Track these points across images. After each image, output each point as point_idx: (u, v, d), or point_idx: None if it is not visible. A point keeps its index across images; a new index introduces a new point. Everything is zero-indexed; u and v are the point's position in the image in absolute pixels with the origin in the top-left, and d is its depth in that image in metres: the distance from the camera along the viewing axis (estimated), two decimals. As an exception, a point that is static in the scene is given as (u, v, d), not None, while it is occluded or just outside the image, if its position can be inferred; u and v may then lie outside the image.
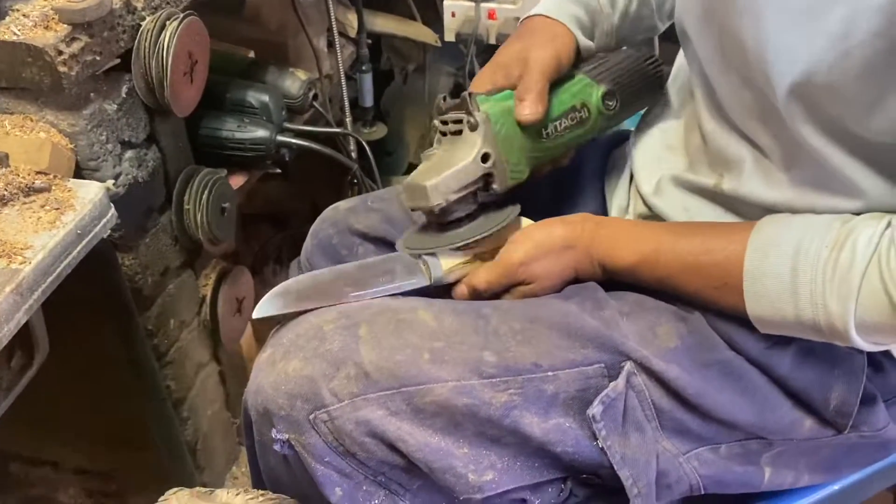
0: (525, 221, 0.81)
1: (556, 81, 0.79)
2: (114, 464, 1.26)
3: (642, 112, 0.92)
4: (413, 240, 0.80)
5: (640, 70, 0.86)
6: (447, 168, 0.74)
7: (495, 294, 0.78)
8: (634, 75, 0.85)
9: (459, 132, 0.76)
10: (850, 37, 0.56)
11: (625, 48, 0.90)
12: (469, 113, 0.74)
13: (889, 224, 0.61)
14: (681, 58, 0.89)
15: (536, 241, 0.76)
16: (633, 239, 0.74)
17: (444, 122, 0.77)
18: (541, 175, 0.83)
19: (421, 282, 0.77)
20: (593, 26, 0.86)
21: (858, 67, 0.57)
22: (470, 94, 0.75)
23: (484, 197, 0.78)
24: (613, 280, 0.76)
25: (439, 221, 0.78)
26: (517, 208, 0.79)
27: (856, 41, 0.56)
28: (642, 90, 0.87)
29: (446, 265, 0.77)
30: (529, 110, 0.75)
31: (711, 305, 0.71)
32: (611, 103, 0.83)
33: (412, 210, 0.78)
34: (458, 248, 0.77)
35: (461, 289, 0.78)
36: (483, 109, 0.75)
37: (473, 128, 0.74)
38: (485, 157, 0.74)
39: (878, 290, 0.59)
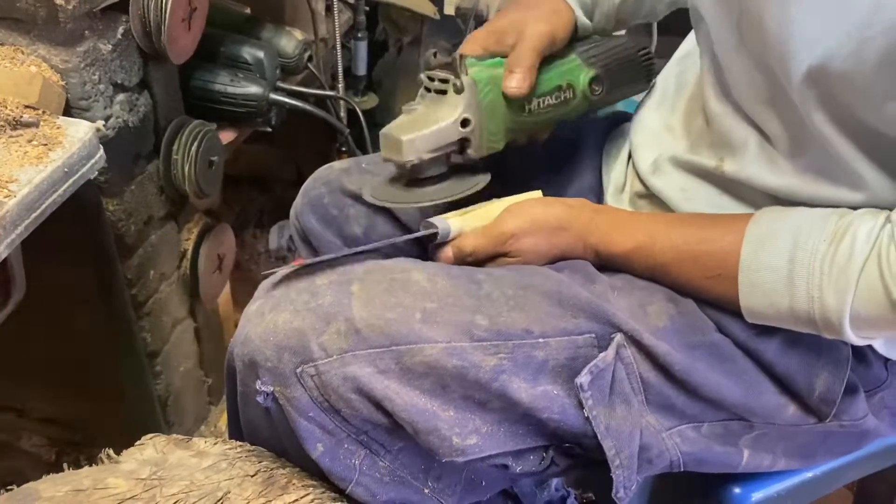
0: (535, 194, 0.81)
1: (548, 58, 0.79)
2: (80, 414, 1.24)
3: (636, 98, 0.92)
4: (380, 190, 0.80)
5: (631, 60, 0.86)
6: (426, 126, 0.74)
7: (478, 261, 0.77)
8: (625, 64, 0.85)
9: (444, 91, 0.76)
10: (873, 26, 0.56)
11: (620, 35, 0.90)
12: (457, 75, 0.75)
13: (888, 219, 0.61)
14: (687, 42, 0.88)
15: (532, 217, 0.76)
16: (630, 226, 0.75)
17: (431, 79, 0.77)
18: (515, 147, 0.83)
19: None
20: (594, 6, 0.86)
21: (876, 57, 0.57)
22: (461, 57, 0.75)
23: (457, 160, 0.78)
24: (606, 267, 0.76)
25: (409, 177, 0.78)
26: (487, 177, 0.79)
27: (877, 30, 0.56)
28: (630, 80, 0.87)
29: (455, 228, 0.77)
30: (517, 84, 0.75)
31: (704, 296, 0.71)
32: (597, 88, 0.83)
33: (384, 161, 0.78)
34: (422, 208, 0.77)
35: (447, 251, 0.77)
36: (471, 74, 0.75)
37: (459, 91, 0.75)
38: (465, 122, 0.75)
39: (876, 285, 0.60)
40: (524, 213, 0.76)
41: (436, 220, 0.77)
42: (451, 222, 0.77)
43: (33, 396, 1.25)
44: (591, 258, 0.76)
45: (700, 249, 0.69)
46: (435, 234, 0.77)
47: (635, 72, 0.87)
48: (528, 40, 0.76)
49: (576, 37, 0.85)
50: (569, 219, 0.76)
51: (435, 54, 0.80)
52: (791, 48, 0.62)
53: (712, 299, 0.71)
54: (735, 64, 0.71)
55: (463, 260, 0.77)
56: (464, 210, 0.80)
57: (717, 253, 0.68)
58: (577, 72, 0.82)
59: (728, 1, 0.70)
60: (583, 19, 0.84)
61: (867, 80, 0.59)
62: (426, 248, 0.82)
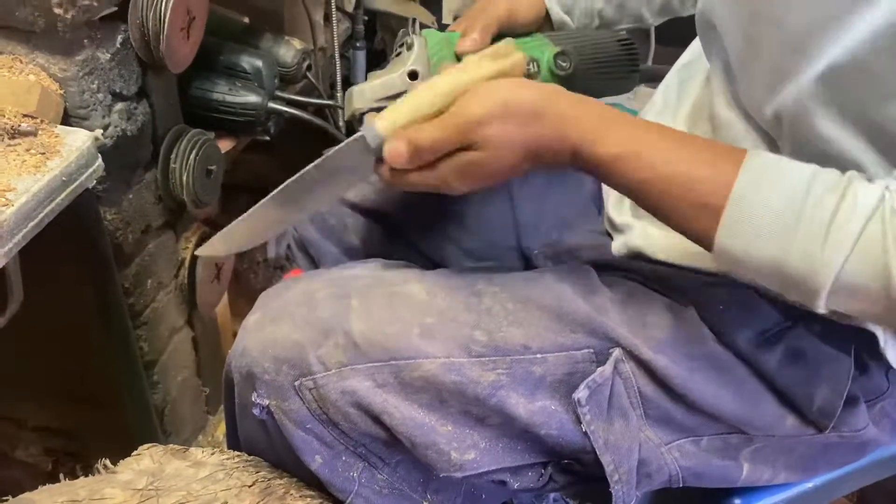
0: (504, 48, 0.72)
1: (515, 37, 0.81)
2: (77, 423, 1.23)
3: (638, 108, 0.92)
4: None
5: (607, 46, 0.85)
6: (377, 79, 0.79)
7: (438, 158, 0.65)
8: (600, 49, 0.84)
9: (400, 54, 0.81)
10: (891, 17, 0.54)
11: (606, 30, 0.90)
12: (409, 35, 0.80)
13: (887, 187, 0.57)
14: (689, 51, 0.88)
15: (502, 99, 0.63)
16: (618, 128, 0.64)
17: (400, 47, 0.82)
18: None
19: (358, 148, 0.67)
20: (574, 3, 0.87)
21: (890, 47, 0.54)
22: (414, 20, 0.78)
23: None
24: (582, 172, 0.67)
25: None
26: None
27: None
28: (608, 67, 0.85)
29: (385, 125, 0.66)
30: (469, 42, 0.78)
31: (684, 229, 0.63)
32: (564, 64, 0.80)
33: (346, 120, 0.82)
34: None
35: (398, 146, 0.64)
36: (423, 34, 0.80)
37: (409, 48, 0.79)
38: (413, 75, 0.78)
39: (875, 250, 0.54)
40: (491, 94, 0.64)
41: (362, 128, 0.67)
42: (378, 120, 0.66)
43: (30, 406, 1.25)
44: (567, 158, 0.65)
45: (692, 172, 0.60)
46: (362, 139, 0.66)
47: (616, 61, 0.85)
48: (484, 12, 0.81)
49: (551, 28, 0.87)
50: (544, 103, 0.64)
51: (406, 32, 0.83)
52: (810, 48, 0.59)
53: (691, 235, 0.63)
54: (746, 69, 0.70)
55: (419, 156, 0.64)
56: (392, 103, 0.69)
57: (709, 179, 0.60)
58: (542, 48, 0.81)
59: (740, 7, 0.69)
60: (557, 12, 0.86)
61: (882, 71, 0.56)
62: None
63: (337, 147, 0.68)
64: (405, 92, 0.72)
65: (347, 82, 1.62)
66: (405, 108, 0.66)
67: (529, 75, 0.80)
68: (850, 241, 0.55)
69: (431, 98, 0.66)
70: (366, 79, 0.82)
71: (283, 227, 0.81)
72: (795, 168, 0.59)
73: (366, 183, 0.92)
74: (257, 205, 0.69)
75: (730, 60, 0.72)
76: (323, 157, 0.68)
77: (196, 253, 0.73)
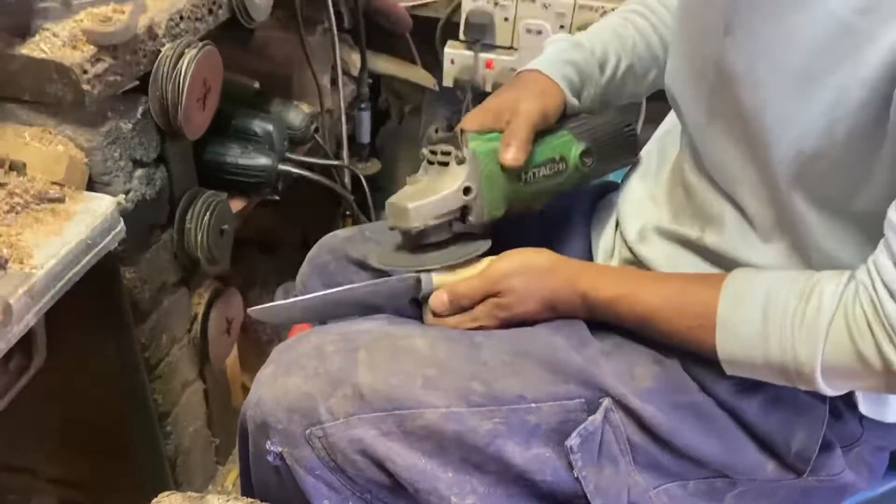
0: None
1: (541, 133, 0.85)
2: (91, 474, 1.26)
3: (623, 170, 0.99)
4: (387, 256, 0.85)
5: (617, 135, 0.93)
6: (431, 194, 0.79)
7: (473, 303, 0.80)
8: (611, 138, 0.92)
9: (446, 163, 0.81)
10: (840, 105, 0.62)
11: (607, 111, 0.96)
12: (459, 148, 0.80)
13: (851, 277, 0.66)
14: (668, 119, 0.95)
15: (523, 259, 0.80)
16: (617, 275, 0.80)
17: (434, 153, 0.82)
18: (513, 216, 0.88)
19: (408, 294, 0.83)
20: (582, 88, 0.92)
21: (845, 136, 0.63)
22: (462, 131, 0.81)
23: (459, 228, 0.83)
24: (594, 318, 0.80)
25: (414, 243, 0.83)
26: (488, 243, 0.84)
27: (845, 110, 0.62)
28: (617, 153, 0.93)
29: (437, 281, 0.81)
30: (513, 155, 0.81)
31: (686, 345, 0.74)
32: (588, 160, 0.89)
33: (391, 228, 0.83)
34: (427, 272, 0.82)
35: (441, 296, 0.80)
36: (471, 146, 0.81)
37: (461, 162, 0.80)
38: (466, 191, 0.80)
39: (844, 339, 0.64)
40: (515, 256, 0.80)
41: (421, 275, 0.82)
42: (434, 275, 0.81)
43: (46, 457, 1.28)
44: (579, 302, 0.78)
45: (683, 300, 0.73)
46: (418, 281, 0.81)
47: (622, 145, 0.94)
48: (522, 116, 0.82)
49: (565, 114, 0.91)
50: (557, 263, 0.80)
51: (437, 130, 0.85)
52: (768, 129, 0.67)
53: (694, 348, 0.74)
54: (708, 142, 0.77)
55: (458, 303, 0.80)
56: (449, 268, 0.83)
57: (698, 304, 0.72)
58: (569, 145, 0.88)
59: (699, 86, 0.76)
60: (571, 99, 0.90)
61: (840, 159, 0.64)
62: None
63: (390, 279, 0.83)
64: (460, 208, 0.80)
65: (353, 140, 1.69)
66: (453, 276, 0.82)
67: (559, 171, 0.87)
68: (822, 336, 0.65)
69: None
70: (403, 180, 0.84)
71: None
72: (766, 281, 0.69)
73: (369, 241, 0.97)
74: (307, 297, 0.83)
75: (691, 132, 0.79)
76: (376, 282, 0.83)
77: (249, 311, 0.81)
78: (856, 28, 0.60)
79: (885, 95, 0.60)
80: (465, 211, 0.81)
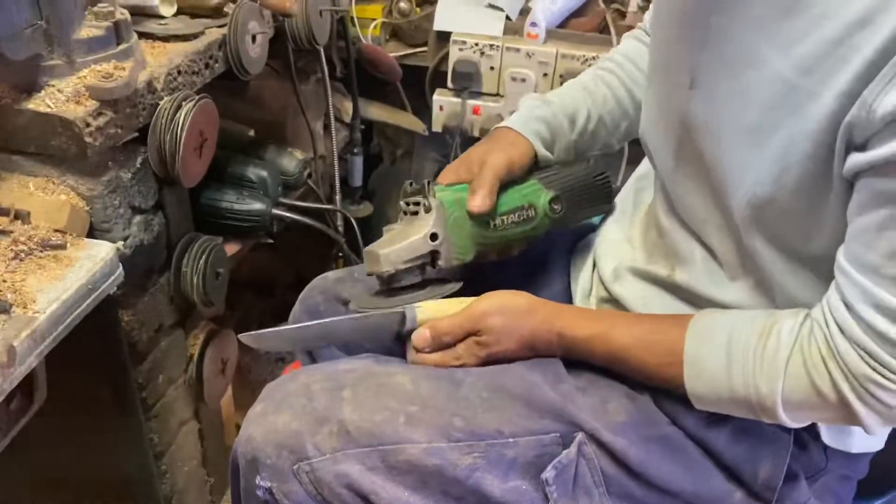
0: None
1: (512, 182, 0.91)
2: (88, 513, 1.29)
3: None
4: (364, 300, 0.90)
5: (589, 183, 0.98)
6: (401, 240, 0.85)
7: (455, 340, 0.84)
8: (583, 187, 0.97)
9: (416, 213, 0.87)
10: (788, 156, 0.67)
11: (581, 162, 1.01)
12: (426, 197, 0.86)
13: (807, 316, 0.71)
14: (643, 164, 1.00)
15: (502, 300, 0.84)
16: (592, 316, 0.85)
17: (407, 204, 0.89)
18: (488, 261, 0.94)
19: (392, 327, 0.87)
20: (553, 141, 0.98)
21: (795, 184, 0.68)
22: (429, 183, 0.87)
23: (430, 272, 0.88)
24: (570, 356, 0.84)
25: (388, 286, 0.88)
26: (459, 284, 0.89)
27: (792, 160, 0.67)
28: (589, 200, 0.99)
29: (421, 316, 0.85)
30: (478, 202, 0.87)
31: (657, 381, 0.79)
32: (557, 207, 0.94)
33: (368, 274, 0.89)
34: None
35: (423, 332, 0.84)
36: (439, 196, 0.87)
37: (428, 210, 0.86)
38: (433, 237, 0.86)
39: (801, 373, 0.69)
40: (496, 297, 0.84)
41: (405, 307, 0.86)
42: (417, 307, 0.85)
43: (44, 496, 1.30)
44: (556, 341, 0.82)
45: (652, 339, 0.78)
46: (403, 317, 0.85)
47: (593, 193, 0.99)
48: (488, 166, 0.89)
49: (538, 165, 0.96)
50: (536, 305, 0.84)
51: (411, 184, 0.91)
52: (727, 176, 0.72)
53: (664, 384, 0.78)
54: (677, 187, 0.82)
55: (439, 339, 0.84)
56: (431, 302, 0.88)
57: (667, 343, 0.77)
58: (538, 193, 0.93)
59: (668, 137, 0.82)
60: (543, 152, 0.96)
61: (789, 204, 0.69)
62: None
63: (375, 312, 0.86)
64: (429, 253, 0.86)
65: (346, 182, 1.74)
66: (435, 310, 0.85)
67: (528, 218, 0.92)
68: (781, 372, 0.70)
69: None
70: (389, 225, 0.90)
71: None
72: (728, 320, 0.74)
73: (358, 282, 1.02)
74: (294, 326, 0.89)
75: (662, 178, 0.84)
76: (362, 314, 0.87)
77: (238, 337, 0.86)
78: (800, 86, 0.65)
79: (828, 146, 0.64)
80: (434, 256, 0.87)
